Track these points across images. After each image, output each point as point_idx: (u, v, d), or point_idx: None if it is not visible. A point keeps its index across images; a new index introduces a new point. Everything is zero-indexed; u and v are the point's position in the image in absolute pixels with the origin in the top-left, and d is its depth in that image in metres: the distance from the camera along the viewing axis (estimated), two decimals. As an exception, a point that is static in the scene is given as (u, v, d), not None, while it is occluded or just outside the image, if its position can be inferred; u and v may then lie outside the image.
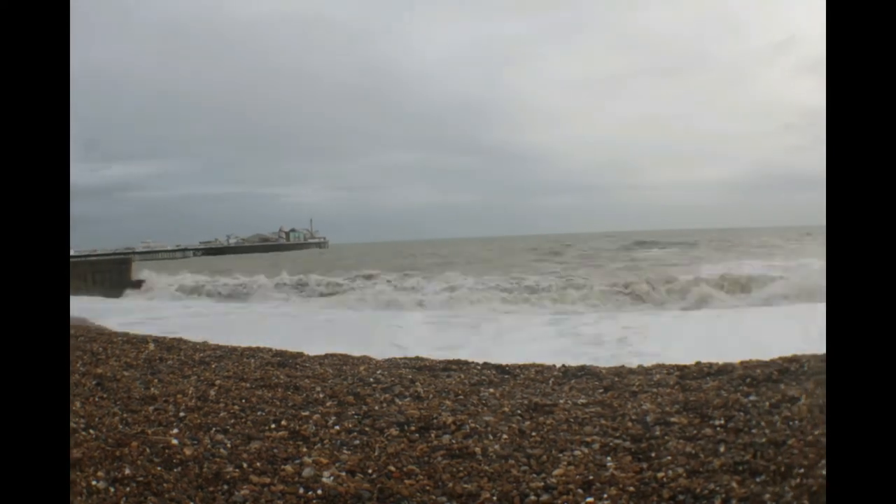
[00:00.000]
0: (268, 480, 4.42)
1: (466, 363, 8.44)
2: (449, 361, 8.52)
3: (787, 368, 7.11)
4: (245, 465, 4.66)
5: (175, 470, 4.58)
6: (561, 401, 6.40)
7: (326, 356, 9.06)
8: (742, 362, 7.80)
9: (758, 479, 4.28)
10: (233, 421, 5.74)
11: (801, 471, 4.26)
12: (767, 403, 5.83)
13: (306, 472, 4.56)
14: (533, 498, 4.19)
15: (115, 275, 39.69)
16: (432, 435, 5.34)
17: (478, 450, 4.93)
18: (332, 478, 4.48)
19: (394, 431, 5.44)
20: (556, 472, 4.55)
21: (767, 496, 4.00)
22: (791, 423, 5.22)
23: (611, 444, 5.09)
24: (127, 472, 4.49)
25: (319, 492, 4.27)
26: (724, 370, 7.44)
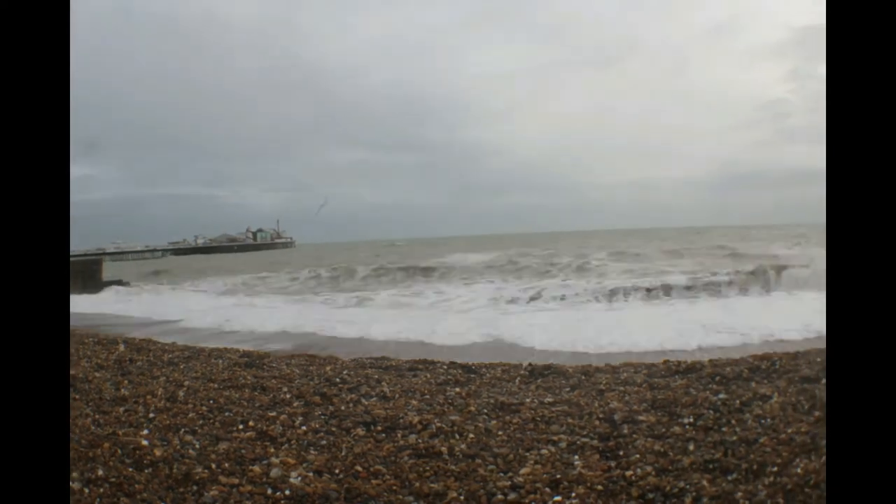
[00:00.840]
0: (236, 481, 4.37)
1: (433, 363, 8.44)
2: (415, 361, 8.51)
3: (758, 367, 7.13)
4: (214, 465, 4.61)
5: (146, 471, 4.52)
6: (527, 399, 6.38)
7: (293, 356, 9.02)
8: (711, 360, 7.85)
9: (729, 478, 4.26)
10: (201, 422, 5.69)
11: (775, 469, 4.26)
12: (738, 401, 5.83)
13: (274, 472, 4.51)
14: (500, 497, 4.16)
15: (86, 276, 39.45)
16: (399, 435, 5.30)
17: (444, 449, 4.90)
18: (299, 478, 4.43)
19: (360, 431, 5.40)
20: (522, 470, 4.52)
21: (740, 494, 3.98)
22: (763, 421, 5.22)
23: (578, 442, 5.06)
24: (100, 472, 4.44)
25: (287, 492, 4.22)
26: (692, 368, 7.45)
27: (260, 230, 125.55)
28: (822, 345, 6.62)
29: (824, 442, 4.41)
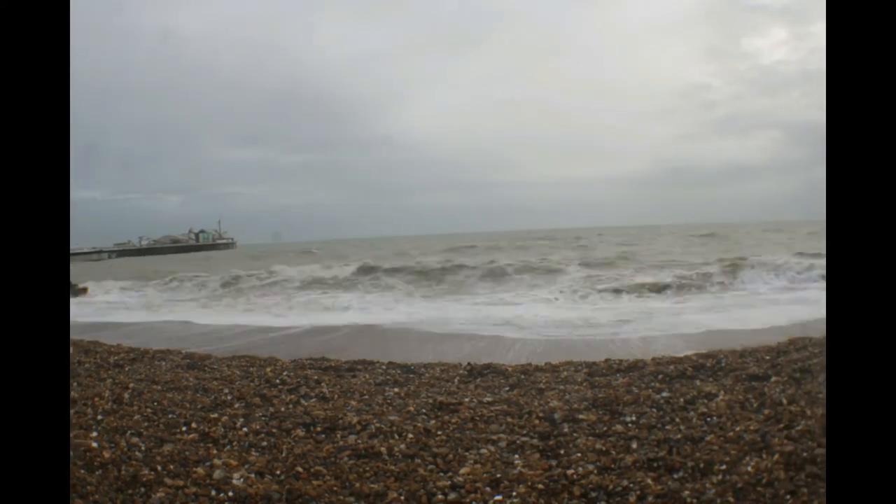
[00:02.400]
0: (181, 483, 4.32)
1: (372, 363, 8.44)
2: (354, 361, 8.50)
3: (702, 365, 7.18)
4: (159, 467, 4.55)
5: (97, 473, 4.45)
6: (466, 399, 6.39)
7: (234, 358, 8.95)
8: (654, 359, 7.89)
9: (675, 476, 4.27)
10: (146, 424, 5.62)
11: (723, 467, 4.26)
12: (682, 400, 5.85)
13: (217, 474, 4.46)
14: (440, 497, 4.14)
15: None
16: (338, 435, 5.27)
17: (383, 449, 4.87)
18: (241, 479, 4.39)
19: (300, 432, 5.35)
20: (462, 470, 4.51)
21: (687, 493, 3.97)
22: (708, 419, 5.24)
23: (518, 441, 5.06)
24: (52, 474, 4.37)
25: (231, 493, 4.18)
26: (634, 367, 7.49)
27: (202, 231, 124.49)
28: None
29: (776, 440, 4.48)
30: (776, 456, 4.25)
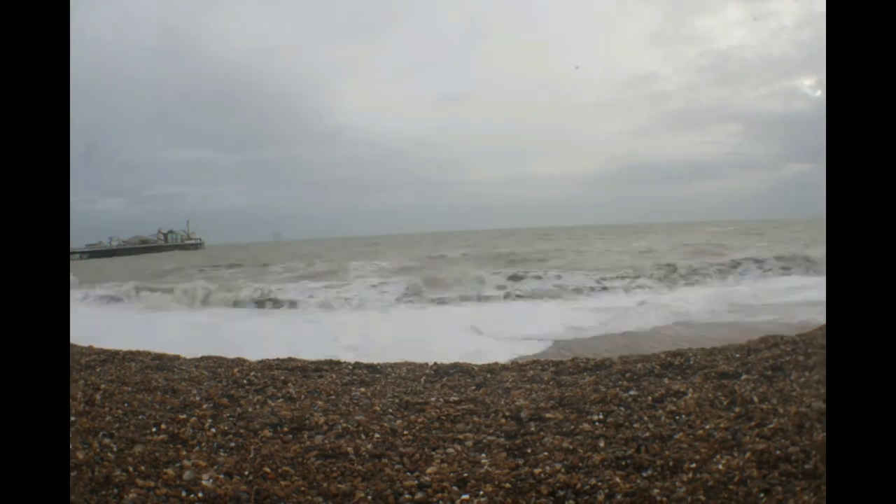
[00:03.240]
0: (152, 484, 4.30)
1: (338, 363, 8.45)
2: (321, 362, 8.51)
3: (670, 363, 7.20)
4: (131, 468, 4.53)
5: (72, 473, 4.43)
6: (432, 398, 6.42)
7: (202, 358, 8.93)
8: (621, 357, 7.90)
9: (644, 474, 4.28)
10: (117, 425, 5.59)
11: (693, 465, 4.27)
12: (650, 398, 5.86)
13: (187, 475, 4.46)
14: (407, 496, 4.14)
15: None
16: (305, 435, 5.27)
17: (350, 449, 4.87)
18: (211, 480, 4.38)
19: (267, 433, 5.34)
20: (429, 470, 4.51)
21: (656, 491, 3.98)
22: (677, 417, 5.26)
23: (484, 440, 5.08)
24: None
25: (200, 494, 4.18)
26: (601, 365, 7.49)
27: (171, 231, 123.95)
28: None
29: (747, 438, 4.50)
30: (748, 454, 4.27)
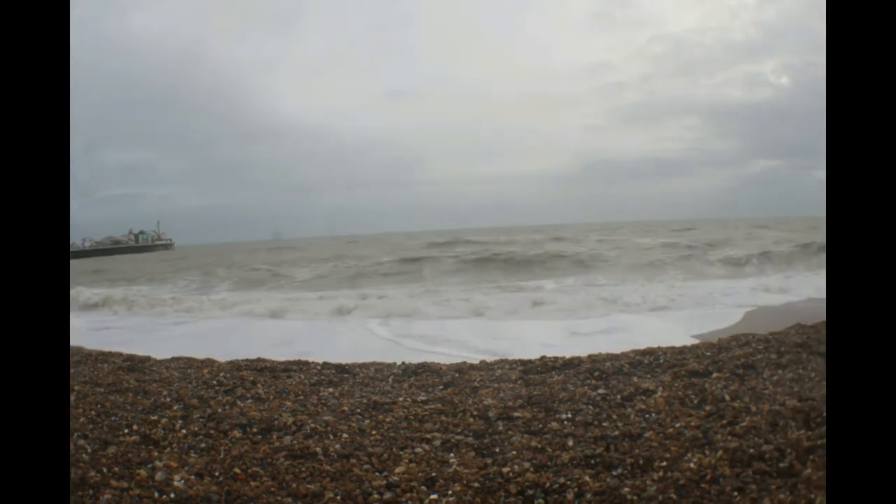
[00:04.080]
0: (125, 485, 4.30)
1: (307, 363, 8.45)
2: (289, 362, 8.51)
3: (640, 361, 7.23)
4: (105, 469, 4.53)
5: None
6: (400, 398, 6.43)
7: (173, 359, 8.93)
8: (590, 356, 7.91)
9: (614, 473, 4.28)
10: (91, 426, 5.59)
11: (664, 464, 4.28)
12: (619, 396, 5.88)
13: (159, 475, 4.46)
14: (376, 496, 4.15)
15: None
16: (274, 436, 5.26)
17: (319, 450, 4.87)
18: (182, 481, 4.38)
19: (237, 433, 5.33)
20: (397, 469, 4.52)
21: (626, 490, 3.99)
22: (647, 415, 5.27)
23: (452, 440, 5.09)
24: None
25: (172, 495, 4.18)
26: (570, 364, 7.53)
27: (142, 232, 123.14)
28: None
29: (718, 436, 4.52)
30: (720, 452, 4.28)
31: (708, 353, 7.38)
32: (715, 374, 6.41)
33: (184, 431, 5.46)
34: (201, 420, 5.74)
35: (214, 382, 7.20)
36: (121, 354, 9.48)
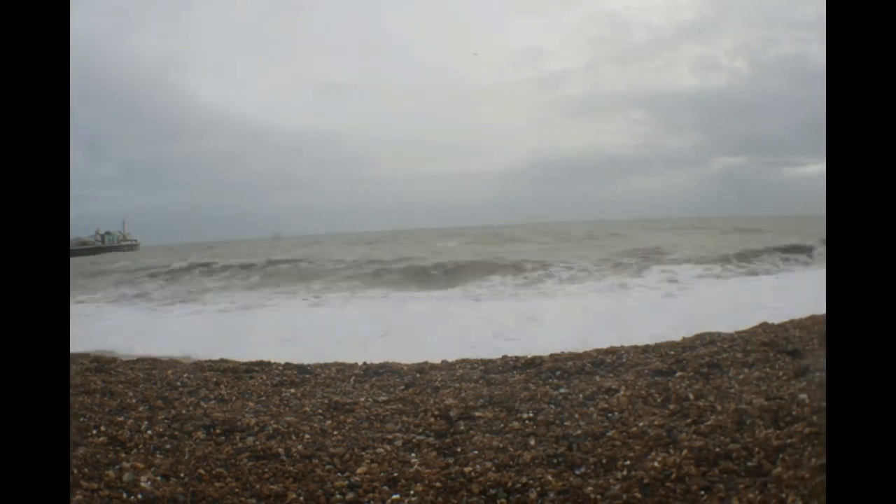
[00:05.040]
0: (95, 486, 4.31)
1: (269, 364, 8.45)
2: (252, 363, 8.50)
3: (602, 360, 7.24)
4: (75, 470, 4.52)
5: None
6: (361, 399, 6.46)
7: (138, 360, 8.92)
8: (552, 355, 7.90)
9: (577, 472, 4.30)
10: (61, 428, 5.59)
11: (628, 463, 4.31)
12: (581, 395, 5.90)
13: (126, 477, 4.46)
14: (339, 497, 4.18)
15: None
16: (237, 437, 5.28)
17: (281, 450, 4.88)
18: (149, 482, 4.39)
19: (201, 435, 5.34)
20: (359, 470, 4.54)
21: (590, 489, 4.01)
22: (609, 414, 5.29)
23: (414, 440, 5.11)
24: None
25: (140, 496, 4.20)
26: (532, 363, 7.53)
27: (108, 233, 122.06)
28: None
29: (683, 435, 4.54)
30: (685, 451, 4.30)
31: (671, 352, 7.41)
32: (679, 373, 6.42)
33: (149, 433, 5.45)
34: (166, 421, 5.75)
35: (178, 384, 7.20)
36: (88, 355, 9.46)
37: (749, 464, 4.09)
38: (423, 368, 7.92)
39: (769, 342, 7.35)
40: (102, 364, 8.63)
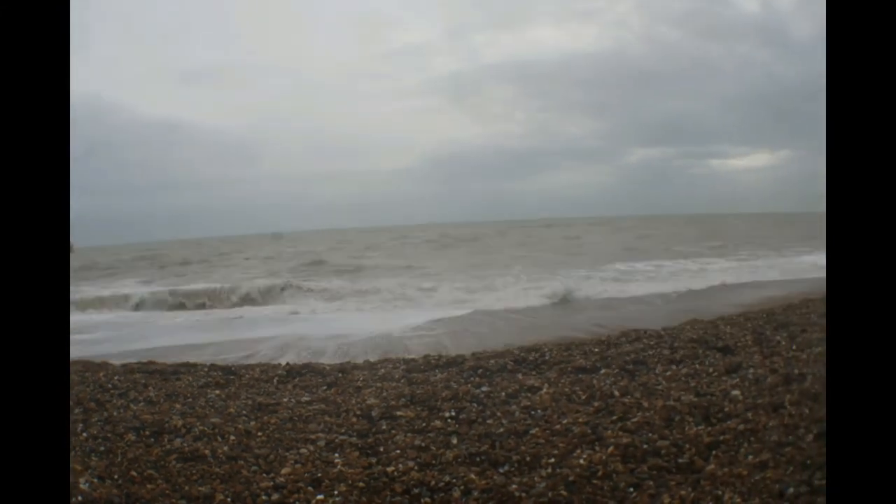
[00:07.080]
0: (35, 488, 4.34)
1: (194, 365, 8.43)
2: (178, 364, 8.48)
3: (524, 358, 7.31)
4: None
5: None
6: (284, 399, 6.48)
7: (73, 363, 8.74)
8: (474, 353, 7.99)
9: (501, 470, 4.36)
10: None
11: (552, 460, 4.37)
12: (503, 394, 5.96)
13: (67, 479, 4.49)
14: (264, 498, 4.19)
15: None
16: (165, 439, 5.29)
17: (207, 452, 4.92)
18: (87, 484, 4.39)
19: (131, 437, 5.35)
20: (284, 470, 4.57)
21: (514, 487, 4.05)
22: (532, 412, 5.35)
23: (337, 440, 5.14)
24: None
25: (80, 497, 4.20)
26: (454, 362, 7.58)
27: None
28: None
29: (609, 432, 4.64)
30: (611, 448, 4.40)
31: (596, 350, 7.49)
32: (603, 371, 6.53)
33: (85, 434, 5.46)
34: (100, 423, 5.74)
35: (110, 386, 7.17)
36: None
37: (680, 460, 4.18)
38: (344, 368, 7.97)
39: (698, 339, 7.47)
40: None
